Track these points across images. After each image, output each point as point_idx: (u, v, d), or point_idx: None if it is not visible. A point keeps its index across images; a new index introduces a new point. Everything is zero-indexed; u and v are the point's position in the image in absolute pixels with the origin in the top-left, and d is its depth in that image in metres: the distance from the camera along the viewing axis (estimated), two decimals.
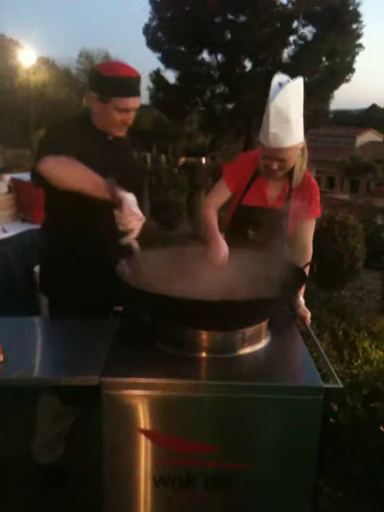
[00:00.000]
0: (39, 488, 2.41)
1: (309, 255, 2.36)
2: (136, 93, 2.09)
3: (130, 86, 2.06)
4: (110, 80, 2.02)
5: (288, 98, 2.11)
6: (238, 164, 2.52)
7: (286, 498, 1.73)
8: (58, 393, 2.22)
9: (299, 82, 2.15)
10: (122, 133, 2.19)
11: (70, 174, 1.86)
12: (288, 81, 2.14)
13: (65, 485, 2.44)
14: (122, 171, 2.02)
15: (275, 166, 2.25)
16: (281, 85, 2.12)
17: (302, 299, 2.26)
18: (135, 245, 1.89)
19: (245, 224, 2.36)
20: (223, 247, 2.20)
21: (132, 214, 1.82)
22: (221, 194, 2.47)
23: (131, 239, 1.87)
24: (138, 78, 2.10)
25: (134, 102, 2.09)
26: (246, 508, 1.76)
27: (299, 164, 2.31)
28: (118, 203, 1.80)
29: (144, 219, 1.89)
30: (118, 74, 2.03)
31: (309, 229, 2.42)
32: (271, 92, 2.12)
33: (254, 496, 1.74)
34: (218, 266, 2.14)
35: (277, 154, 2.20)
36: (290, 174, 2.35)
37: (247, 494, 1.72)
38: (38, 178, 1.93)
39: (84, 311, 2.05)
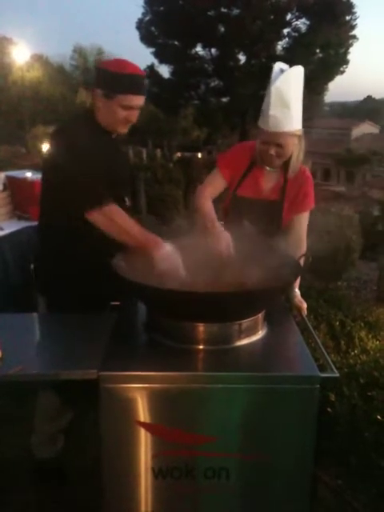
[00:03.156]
0: (39, 483, 2.42)
1: (303, 247, 2.37)
2: (141, 91, 2.11)
3: (136, 84, 2.08)
4: (116, 76, 2.03)
5: (289, 82, 2.12)
6: (232, 153, 2.52)
7: (284, 487, 1.75)
8: (56, 388, 2.22)
9: (300, 69, 2.17)
10: (124, 130, 2.20)
11: (118, 228, 1.98)
12: (281, 69, 2.16)
13: (64, 480, 2.45)
14: (124, 168, 2.06)
15: (273, 151, 2.24)
16: (282, 70, 2.15)
17: (297, 290, 2.28)
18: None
19: (239, 215, 2.36)
20: (226, 237, 2.17)
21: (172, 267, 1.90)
22: (216, 184, 2.46)
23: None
24: (143, 77, 2.13)
25: (138, 100, 2.10)
26: (245, 497, 1.77)
27: (296, 153, 2.30)
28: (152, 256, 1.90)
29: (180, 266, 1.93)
30: (125, 71, 2.03)
31: (303, 221, 2.43)
32: (273, 75, 2.14)
33: (252, 485, 1.75)
34: (225, 256, 2.12)
35: (275, 139, 2.21)
36: (285, 165, 2.36)
37: (246, 483, 1.74)
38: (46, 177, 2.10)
39: (82, 308, 2.06)
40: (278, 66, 2.17)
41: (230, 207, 2.46)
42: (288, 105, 2.13)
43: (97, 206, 1.95)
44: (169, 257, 1.91)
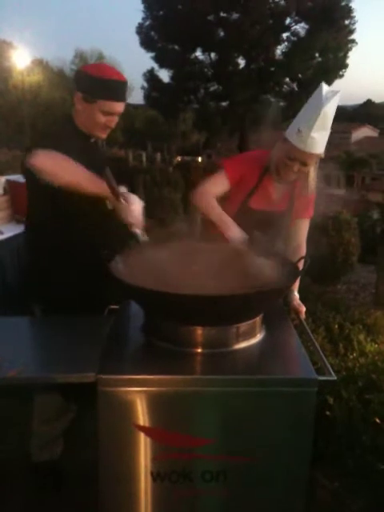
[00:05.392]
0: (37, 487, 2.41)
1: (303, 252, 2.38)
2: (122, 97, 2.10)
3: (117, 90, 2.07)
4: (97, 81, 2.02)
5: (334, 105, 2.12)
6: (241, 161, 2.51)
7: (281, 490, 1.75)
8: (54, 390, 2.23)
9: (339, 94, 2.14)
10: (103, 135, 2.19)
11: (64, 167, 1.86)
12: (332, 91, 2.13)
13: (62, 483, 2.45)
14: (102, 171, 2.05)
15: (296, 168, 2.26)
16: (330, 94, 2.12)
17: (296, 294, 2.28)
18: (143, 234, 1.91)
19: (250, 226, 2.35)
20: (238, 228, 2.22)
21: (134, 203, 1.85)
22: (218, 185, 2.42)
23: (137, 230, 1.89)
24: (125, 83, 2.11)
25: (119, 106, 2.10)
26: (243, 500, 1.77)
27: (313, 174, 2.33)
28: (117, 196, 1.82)
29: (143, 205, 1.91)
30: (106, 76, 2.03)
31: (303, 227, 2.46)
32: (322, 97, 2.11)
33: (250, 488, 1.75)
34: (240, 242, 2.16)
35: (305, 158, 2.22)
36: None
37: (244, 486, 1.74)
38: (28, 174, 1.94)
39: (78, 312, 2.06)
40: (326, 88, 2.13)
41: (239, 218, 2.44)
42: (327, 128, 2.15)
43: (35, 149, 1.88)
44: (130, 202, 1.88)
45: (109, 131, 2.19)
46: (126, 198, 1.84)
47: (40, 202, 2.11)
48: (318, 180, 2.38)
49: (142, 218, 1.89)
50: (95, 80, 2.02)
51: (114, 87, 2.04)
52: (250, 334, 1.85)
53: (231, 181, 2.41)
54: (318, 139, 2.15)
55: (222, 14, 22.84)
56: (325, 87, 2.14)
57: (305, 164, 2.24)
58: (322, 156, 2.26)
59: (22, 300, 3.48)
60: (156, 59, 24.78)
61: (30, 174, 1.96)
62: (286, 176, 2.33)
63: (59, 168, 1.85)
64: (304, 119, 2.17)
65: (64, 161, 1.86)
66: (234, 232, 2.20)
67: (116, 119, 2.14)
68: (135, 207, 1.86)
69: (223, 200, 2.47)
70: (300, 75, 22.79)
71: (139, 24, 24.54)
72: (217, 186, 2.42)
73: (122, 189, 1.86)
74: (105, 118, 2.08)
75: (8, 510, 2.34)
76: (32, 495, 2.39)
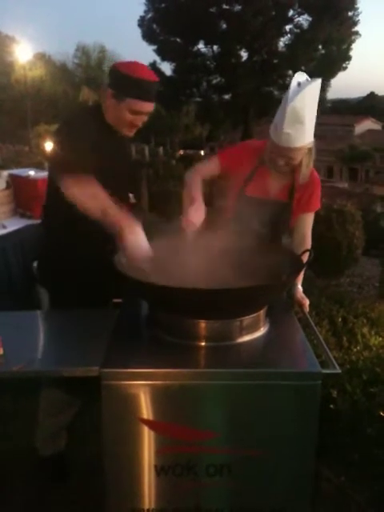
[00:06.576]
0: (42, 480, 2.43)
1: (308, 245, 2.37)
2: (151, 97, 2.09)
3: (147, 90, 2.06)
4: (128, 80, 2.01)
5: (305, 98, 2.09)
6: (237, 149, 2.52)
7: (286, 483, 1.75)
8: (59, 384, 2.23)
9: (317, 83, 2.12)
10: (130, 133, 2.19)
11: (86, 202, 1.92)
12: (307, 80, 2.13)
13: (68, 476, 2.46)
14: (127, 166, 2.06)
15: (282, 162, 2.26)
16: (300, 84, 2.11)
17: (300, 287, 2.28)
18: (143, 269, 1.88)
19: (248, 214, 2.36)
20: (202, 212, 2.18)
21: (135, 256, 1.86)
22: (209, 166, 2.46)
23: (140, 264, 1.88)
24: (155, 83, 2.10)
25: (147, 106, 2.09)
26: (247, 494, 1.78)
27: (306, 161, 2.30)
28: (120, 242, 1.85)
29: (150, 254, 1.90)
30: (138, 75, 2.02)
31: (308, 221, 2.45)
32: (290, 91, 2.10)
33: (254, 481, 1.75)
34: (190, 228, 2.11)
35: (286, 153, 2.21)
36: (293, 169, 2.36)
37: (248, 479, 1.74)
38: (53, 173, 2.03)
39: (84, 303, 2.06)
40: (296, 79, 2.12)
41: (237, 206, 2.45)
42: (303, 121, 2.11)
43: (71, 172, 1.91)
44: (140, 242, 1.88)
45: (135, 130, 2.19)
46: (125, 248, 1.86)
47: (57, 195, 2.15)
48: (319, 168, 2.37)
49: (143, 257, 1.88)
50: (125, 78, 2.02)
51: (143, 86, 2.04)
52: (253, 327, 1.85)
53: (222, 165, 2.42)
54: (293, 134, 2.13)
55: (224, 6, 22.76)
56: (295, 80, 2.12)
57: (290, 158, 2.24)
58: (309, 146, 2.23)
59: (27, 293, 3.50)
60: (158, 52, 24.75)
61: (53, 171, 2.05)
62: (277, 168, 2.33)
63: (79, 196, 1.92)
64: (278, 115, 2.18)
65: (92, 191, 1.91)
66: (192, 215, 2.15)
67: (144, 119, 2.14)
68: (137, 251, 1.87)
69: (223, 189, 2.49)
70: (303, 67, 22.67)
71: (141, 17, 24.51)
72: (207, 166, 2.46)
73: (131, 223, 1.87)
74: (132, 116, 2.09)
75: (14, 502, 2.35)
76: (38, 488, 2.40)
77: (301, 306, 2.20)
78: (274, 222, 2.31)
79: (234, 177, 2.42)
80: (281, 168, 2.31)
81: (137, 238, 1.86)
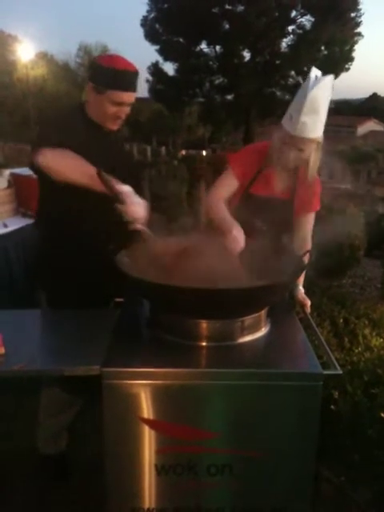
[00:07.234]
0: (43, 479, 2.43)
1: (308, 246, 2.38)
2: (132, 87, 2.09)
3: (127, 80, 2.07)
4: (107, 71, 2.02)
5: (322, 90, 2.13)
6: (244, 154, 2.52)
7: (286, 484, 1.75)
8: (60, 383, 2.23)
9: (331, 78, 2.17)
10: (115, 126, 2.19)
11: (67, 165, 1.88)
12: (320, 77, 2.16)
13: (69, 475, 2.46)
14: (117, 163, 2.04)
15: (292, 154, 2.26)
16: (317, 77, 2.15)
17: (301, 288, 2.28)
18: (145, 230, 1.90)
19: (252, 213, 2.36)
20: (241, 240, 2.13)
21: (133, 203, 1.83)
22: (228, 186, 2.42)
23: (139, 226, 1.88)
24: (135, 73, 2.10)
25: (128, 97, 2.09)
26: (248, 494, 1.78)
27: (313, 158, 2.31)
28: (116, 196, 1.81)
29: (146, 204, 1.89)
30: (116, 66, 2.03)
31: (309, 221, 2.46)
32: (309, 82, 2.14)
33: (255, 481, 1.75)
34: (237, 249, 2.09)
35: (299, 144, 2.22)
36: (296, 168, 2.38)
37: (248, 479, 1.74)
38: (36, 170, 1.96)
39: (83, 304, 2.06)
40: (314, 72, 2.17)
41: (241, 205, 2.43)
42: (318, 112, 2.15)
43: (47, 145, 1.90)
44: (137, 202, 1.87)
45: (120, 123, 2.19)
46: (126, 198, 1.82)
47: (50, 194, 2.14)
48: (321, 169, 2.38)
49: (144, 216, 1.87)
50: (104, 70, 2.03)
51: (122, 77, 2.04)
52: (255, 327, 1.85)
53: (239, 178, 2.41)
54: (309, 123, 2.16)
55: (227, 7, 22.72)
56: (313, 73, 2.17)
57: (301, 149, 2.25)
58: (319, 141, 2.25)
59: (28, 292, 3.49)
60: (161, 52, 24.69)
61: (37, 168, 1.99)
62: (285, 163, 2.33)
63: (61, 165, 1.88)
64: (295, 105, 2.21)
65: (66, 158, 1.88)
66: (235, 238, 2.12)
67: (126, 110, 2.14)
68: (136, 207, 1.85)
69: None
70: (306, 68, 22.64)
71: (144, 16, 24.46)
72: (227, 187, 2.42)
73: (126, 188, 1.84)
74: (114, 108, 2.09)
75: (15, 502, 2.35)
76: (39, 488, 2.40)
77: (302, 306, 2.21)
78: (276, 220, 2.32)
79: (244, 179, 2.42)
80: (288, 162, 2.31)
81: (133, 200, 1.85)
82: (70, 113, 2.23)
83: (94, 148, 2.00)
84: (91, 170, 1.84)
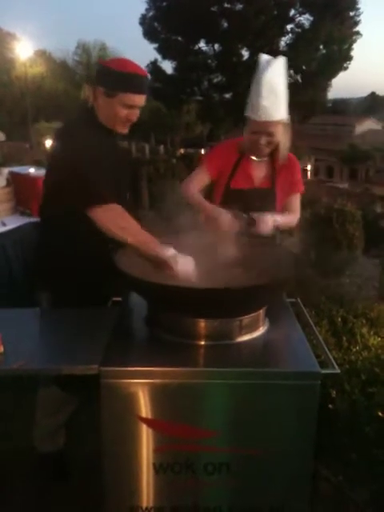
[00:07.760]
0: (41, 478, 2.43)
1: (297, 215, 2.57)
2: (142, 90, 2.11)
3: (137, 83, 2.08)
4: (118, 75, 2.04)
5: (276, 73, 2.24)
6: (217, 150, 2.65)
7: (284, 482, 1.76)
8: (57, 382, 2.23)
9: (284, 60, 2.27)
10: (125, 130, 2.20)
11: (124, 228, 1.92)
12: (271, 59, 2.28)
13: (67, 474, 2.46)
14: (125, 164, 2.08)
15: (263, 140, 2.35)
16: (268, 62, 2.25)
17: (278, 219, 2.38)
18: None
19: (235, 207, 2.40)
20: (224, 212, 2.30)
21: (182, 264, 1.86)
22: (200, 180, 2.57)
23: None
24: (145, 78, 2.14)
25: (139, 99, 2.11)
26: (246, 492, 1.78)
27: (283, 141, 2.40)
28: (163, 262, 1.85)
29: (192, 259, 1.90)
30: (127, 69, 2.05)
31: (295, 200, 2.60)
32: (260, 67, 2.25)
33: (253, 480, 1.76)
34: (231, 229, 2.24)
35: (266, 128, 2.30)
36: (272, 154, 2.48)
37: (246, 478, 1.75)
38: (51, 173, 2.15)
39: (83, 304, 2.06)
40: (264, 57, 2.28)
41: (224, 200, 2.53)
42: (277, 94, 2.24)
43: (99, 203, 1.94)
44: (188, 267, 1.89)
45: (129, 126, 2.20)
46: (174, 262, 1.85)
47: (53, 195, 2.15)
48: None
49: (193, 271, 1.88)
50: (115, 73, 2.04)
51: (134, 80, 2.06)
52: (253, 326, 1.85)
53: (211, 172, 2.55)
54: (269, 106, 2.24)
55: (225, 5, 22.71)
56: (263, 58, 2.28)
57: (269, 134, 2.33)
58: (285, 122, 2.33)
59: (27, 290, 3.49)
60: (159, 50, 24.68)
61: (50, 172, 2.11)
62: (258, 151, 2.44)
63: (115, 229, 1.91)
64: (253, 92, 2.29)
65: (124, 221, 1.93)
66: (224, 217, 2.28)
67: (137, 113, 2.16)
68: (184, 267, 1.87)
69: (211, 187, 2.62)
70: (304, 67, 22.66)
71: (142, 15, 24.44)
72: (198, 180, 2.57)
73: (170, 251, 1.86)
74: (126, 111, 2.10)
75: (12, 500, 2.35)
76: (38, 487, 2.40)
77: (250, 224, 2.29)
78: (259, 209, 2.38)
79: (219, 176, 2.54)
80: (262, 149, 2.41)
81: (184, 266, 1.87)
82: (84, 121, 2.18)
83: (109, 154, 2.08)
84: (144, 236, 1.90)
